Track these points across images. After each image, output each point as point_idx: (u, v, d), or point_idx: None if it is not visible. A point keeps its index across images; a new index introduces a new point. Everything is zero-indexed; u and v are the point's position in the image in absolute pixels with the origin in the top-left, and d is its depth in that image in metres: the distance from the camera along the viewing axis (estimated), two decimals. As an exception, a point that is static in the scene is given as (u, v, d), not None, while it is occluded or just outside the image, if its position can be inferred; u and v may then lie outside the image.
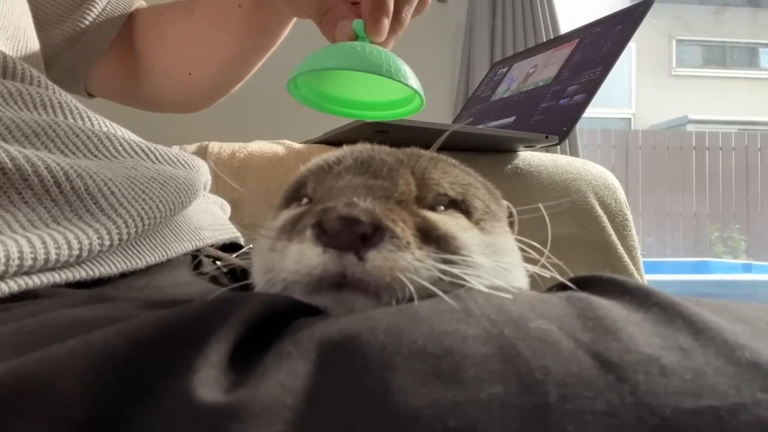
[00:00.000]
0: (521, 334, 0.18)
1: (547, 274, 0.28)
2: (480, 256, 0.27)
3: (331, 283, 0.24)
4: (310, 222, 0.24)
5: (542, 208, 0.32)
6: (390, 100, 0.47)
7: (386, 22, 0.45)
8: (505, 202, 0.34)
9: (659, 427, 0.15)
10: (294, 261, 0.24)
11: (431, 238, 0.25)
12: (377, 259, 0.23)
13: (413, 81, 0.41)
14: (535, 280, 0.30)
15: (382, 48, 0.42)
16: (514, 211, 0.34)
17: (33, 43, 0.50)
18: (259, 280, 0.28)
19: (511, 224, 0.33)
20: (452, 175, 0.30)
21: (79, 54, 0.61)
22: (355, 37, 0.46)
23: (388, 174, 0.27)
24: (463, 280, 0.24)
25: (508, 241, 0.30)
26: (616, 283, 0.22)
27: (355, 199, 0.24)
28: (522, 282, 0.30)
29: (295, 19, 0.60)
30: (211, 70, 0.64)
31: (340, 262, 0.23)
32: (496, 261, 0.27)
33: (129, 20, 0.64)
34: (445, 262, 0.25)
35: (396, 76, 0.40)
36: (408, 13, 0.47)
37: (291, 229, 0.26)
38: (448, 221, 0.27)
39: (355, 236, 0.23)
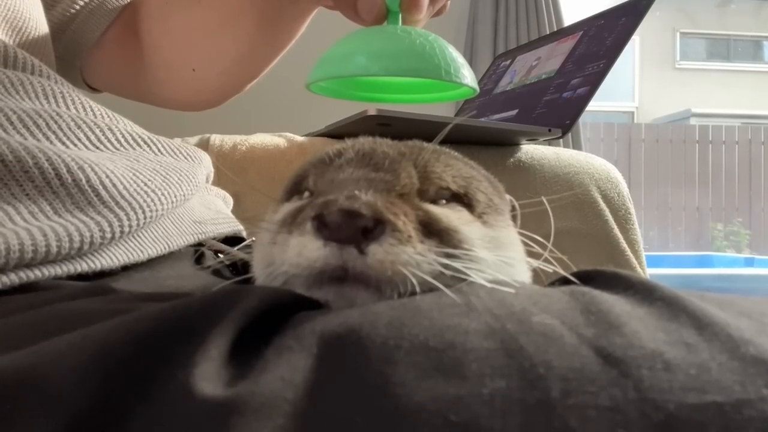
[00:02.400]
0: (524, 329, 0.18)
1: (549, 268, 0.28)
2: (482, 250, 0.26)
3: (332, 276, 0.24)
4: (310, 215, 0.24)
5: (545, 202, 0.31)
6: (428, 81, 0.40)
7: None
8: (507, 196, 0.34)
9: (663, 423, 0.14)
10: (295, 254, 0.24)
11: (433, 231, 0.25)
12: (378, 252, 0.23)
13: (468, 73, 0.35)
14: (537, 275, 0.30)
15: (423, 30, 0.35)
16: (516, 204, 0.34)
17: (41, 35, 0.49)
18: (259, 273, 0.28)
19: (513, 218, 0.33)
20: (455, 168, 0.29)
21: (71, 42, 0.59)
22: (386, 13, 0.38)
23: (390, 167, 0.27)
24: (465, 274, 0.24)
25: (510, 235, 0.30)
26: (620, 278, 0.22)
27: (356, 192, 0.24)
28: (524, 276, 0.30)
29: (312, 14, 0.55)
30: (218, 68, 0.60)
31: (341, 256, 0.23)
32: (499, 255, 0.27)
33: (134, 9, 0.61)
34: (447, 256, 0.24)
35: (456, 76, 0.33)
36: None
37: (291, 222, 0.26)
38: (451, 215, 0.27)
39: (356, 229, 0.23)
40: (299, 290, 0.24)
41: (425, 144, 0.30)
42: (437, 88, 0.40)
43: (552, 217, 0.32)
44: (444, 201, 0.28)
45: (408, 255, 0.23)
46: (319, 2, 0.49)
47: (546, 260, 0.28)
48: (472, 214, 0.29)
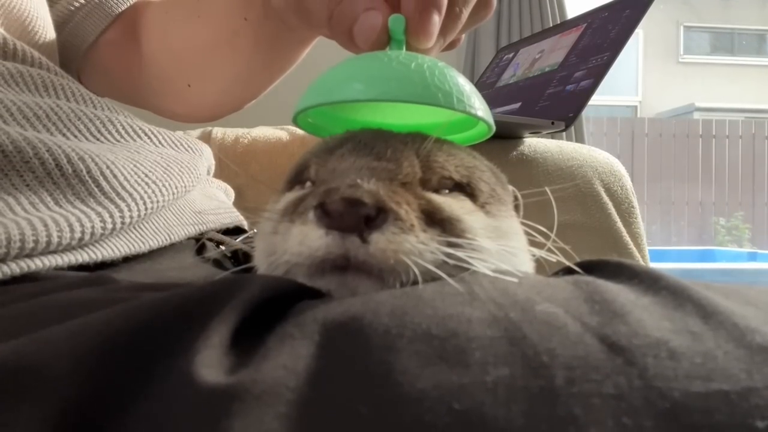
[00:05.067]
0: (527, 317, 0.17)
1: (552, 258, 0.28)
2: (485, 239, 0.26)
3: (334, 265, 0.24)
4: (312, 203, 0.24)
5: (548, 192, 0.31)
6: (434, 123, 0.34)
7: (437, 20, 0.32)
8: (510, 187, 0.34)
9: (668, 411, 0.14)
10: (297, 243, 0.24)
11: (436, 220, 0.25)
12: (381, 241, 0.23)
13: (481, 105, 0.30)
14: (540, 265, 0.30)
15: (427, 56, 0.30)
16: (519, 195, 0.34)
17: (47, 35, 0.49)
18: (261, 263, 0.28)
19: (516, 208, 0.33)
20: (457, 157, 0.29)
21: (66, 42, 0.58)
22: (387, 40, 0.32)
23: (392, 156, 0.27)
24: (468, 263, 0.24)
25: (513, 225, 0.30)
26: (624, 267, 0.22)
27: (358, 181, 0.24)
28: (527, 266, 0.30)
29: (311, 43, 0.54)
30: (214, 86, 0.59)
31: (343, 244, 0.23)
32: (502, 245, 0.27)
33: (136, 14, 0.61)
34: (450, 245, 0.24)
35: (471, 106, 0.28)
36: (465, 7, 0.35)
37: (293, 211, 0.25)
38: (453, 204, 0.27)
39: (359, 218, 0.23)
40: (301, 279, 0.24)
41: (428, 134, 0.30)
42: (446, 132, 0.34)
43: (555, 208, 0.32)
44: (446, 191, 0.28)
45: (410, 244, 0.23)
46: (315, 32, 0.46)
47: (549, 251, 0.28)
48: (474, 203, 0.28)
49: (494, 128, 0.32)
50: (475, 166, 0.30)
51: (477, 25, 0.39)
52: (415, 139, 0.29)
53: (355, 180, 0.24)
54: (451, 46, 0.38)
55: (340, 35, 0.34)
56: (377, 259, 0.23)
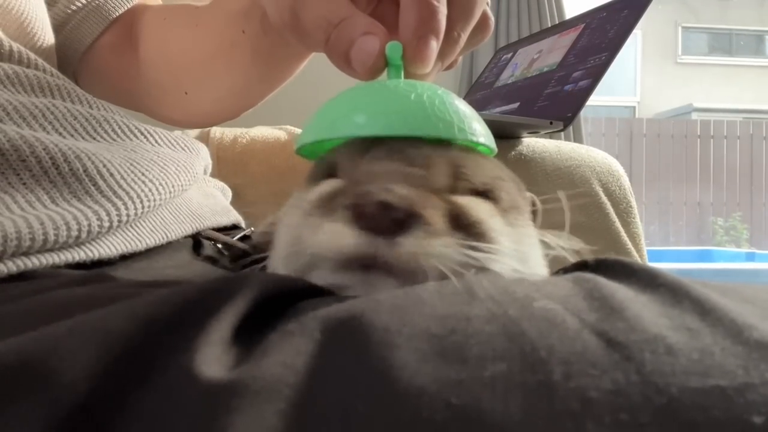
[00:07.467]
0: (525, 314, 0.17)
1: (563, 253, 0.28)
2: (507, 245, 0.27)
3: (360, 263, 0.24)
4: (346, 203, 0.25)
5: (562, 197, 0.32)
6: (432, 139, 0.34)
7: (435, 46, 0.32)
8: (528, 194, 0.34)
9: (665, 406, 0.14)
10: (326, 238, 0.25)
11: (461, 225, 0.26)
12: (409, 244, 0.24)
13: (483, 131, 0.30)
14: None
15: (429, 83, 0.30)
16: (537, 202, 0.34)
17: (43, 34, 0.49)
18: (282, 250, 0.28)
19: (533, 213, 0.34)
20: (485, 168, 0.30)
21: (62, 46, 0.57)
22: (384, 65, 0.32)
23: (424, 162, 0.28)
24: (490, 267, 0.24)
25: (530, 233, 0.31)
26: (622, 265, 0.22)
27: (392, 186, 0.25)
28: (543, 274, 0.30)
29: (307, 58, 0.53)
30: (211, 95, 0.59)
31: (373, 245, 0.24)
32: (521, 251, 0.28)
33: (134, 19, 0.60)
34: (475, 249, 0.25)
35: (472, 134, 0.29)
36: (463, 31, 0.34)
37: (324, 206, 0.26)
38: (478, 208, 0.28)
39: (390, 221, 0.24)
40: (324, 272, 0.25)
41: (455, 143, 0.31)
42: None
43: (567, 211, 0.32)
44: (471, 197, 0.29)
45: (437, 247, 0.24)
46: (309, 49, 0.45)
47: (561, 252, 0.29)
48: (496, 210, 0.29)
49: (496, 151, 0.33)
50: (500, 176, 0.31)
51: (475, 47, 0.38)
52: (444, 147, 0.29)
53: (389, 184, 0.25)
54: (448, 68, 0.38)
55: (337, 59, 0.33)
56: (404, 261, 0.24)
